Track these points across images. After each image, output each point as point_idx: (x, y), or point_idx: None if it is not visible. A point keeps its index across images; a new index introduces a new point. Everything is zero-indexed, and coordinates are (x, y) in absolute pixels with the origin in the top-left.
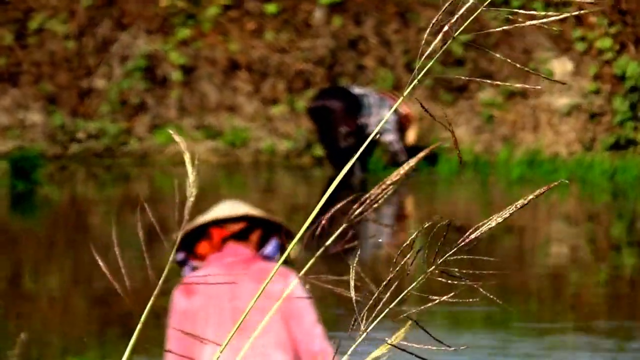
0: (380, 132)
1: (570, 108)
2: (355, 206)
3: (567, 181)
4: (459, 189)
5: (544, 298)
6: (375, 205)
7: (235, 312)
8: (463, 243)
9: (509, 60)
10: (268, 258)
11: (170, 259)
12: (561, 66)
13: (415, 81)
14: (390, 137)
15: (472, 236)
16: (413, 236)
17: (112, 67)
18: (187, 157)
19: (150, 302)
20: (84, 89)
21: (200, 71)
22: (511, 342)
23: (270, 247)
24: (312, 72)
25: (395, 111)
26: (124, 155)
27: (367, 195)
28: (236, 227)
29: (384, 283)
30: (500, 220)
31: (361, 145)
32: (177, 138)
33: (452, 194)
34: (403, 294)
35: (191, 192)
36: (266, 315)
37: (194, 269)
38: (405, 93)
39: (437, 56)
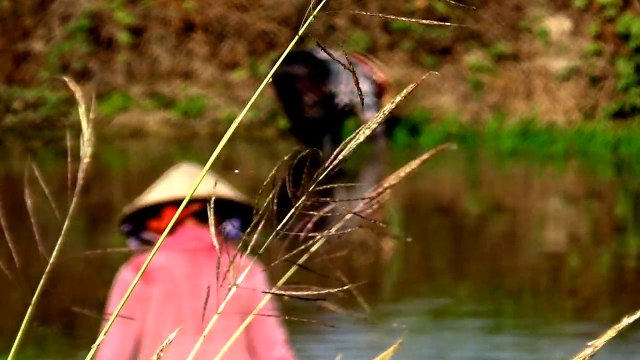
0: (355, 106)
1: (568, 72)
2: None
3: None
4: (443, 163)
5: (538, 287)
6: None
7: (196, 313)
8: (326, 171)
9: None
10: (228, 239)
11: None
12: (558, 25)
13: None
14: (371, 116)
15: (335, 162)
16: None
17: (52, 28)
18: (81, 111)
19: (41, 284)
20: (20, 53)
21: (151, 32)
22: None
23: (231, 228)
24: (276, 32)
25: (370, 79)
26: (65, 127)
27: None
28: (195, 206)
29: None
30: (367, 132)
31: (330, 116)
32: (70, 84)
33: (436, 170)
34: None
35: (85, 152)
36: (228, 318)
37: (146, 242)
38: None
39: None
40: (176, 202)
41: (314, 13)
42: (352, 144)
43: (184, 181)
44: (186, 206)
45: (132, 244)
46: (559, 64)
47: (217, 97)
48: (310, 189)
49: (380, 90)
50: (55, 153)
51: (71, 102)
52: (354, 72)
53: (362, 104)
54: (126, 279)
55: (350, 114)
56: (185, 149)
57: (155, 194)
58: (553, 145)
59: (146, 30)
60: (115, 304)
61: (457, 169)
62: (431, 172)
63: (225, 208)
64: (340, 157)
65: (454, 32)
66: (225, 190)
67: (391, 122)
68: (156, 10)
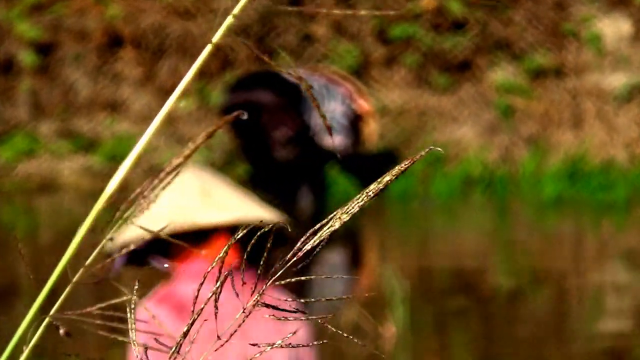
0: (323, 131)
1: (629, 91)
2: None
3: (439, 149)
4: (464, 219)
5: None
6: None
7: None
8: (293, 259)
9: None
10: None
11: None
12: (614, 28)
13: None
14: (340, 140)
15: (305, 248)
16: None
17: None
18: None
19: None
20: None
21: (64, 50)
22: None
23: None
24: (232, 47)
25: (345, 103)
26: None
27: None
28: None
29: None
30: (345, 218)
31: (307, 158)
32: None
33: (454, 228)
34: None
35: None
36: None
37: (162, 267)
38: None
39: None
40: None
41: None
42: (324, 232)
43: (233, 200)
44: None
45: (158, 263)
46: (616, 81)
47: (154, 135)
48: (268, 283)
49: (356, 119)
50: None
51: None
52: (312, 95)
53: (328, 126)
54: (157, 314)
55: (332, 155)
56: (112, 207)
57: (212, 214)
58: (611, 191)
59: (58, 48)
60: (143, 343)
61: (482, 227)
62: (448, 231)
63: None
64: (308, 246)
65: (474, 41)
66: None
67: (385, 162)
68: (71, 20)
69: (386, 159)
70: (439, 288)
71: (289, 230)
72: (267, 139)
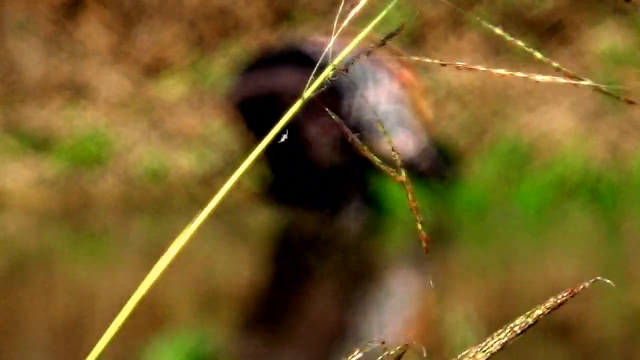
0: (375, 132)
1: None
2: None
3: (609, 281)
4: (555, 233)
5: None
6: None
7: None
8: None
9: None
10: None
11: None
12: None
13: None
14: (402, 138)
15: None
16: None
17: None
18: None
19: None
20: None
21: (9, 17)
22: None
23: None
24: (238, 7)
25: (391, 83)
26: None
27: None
28: None
29: None
30: (494, 349)
31: (355, 160)
32: None
33: (548, 250)
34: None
35: None
36: None
37: None
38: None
39: None
40: None
41: None
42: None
43: None
44: None
45: None
46: None
47: (131, 130)
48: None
49: (406, 95)
50: None
51: None
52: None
53: (382, 126)
54: None
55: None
56: (76, 229)
57: None
58: None
59: (1, 16)
60: None
61: (585, 248)
62: (538, 254)
63: None
64: None
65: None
66: None
67: (443, 155)
68: None
69: (444, 161)
70: (524, 338)
71: None
72: (300, 137)
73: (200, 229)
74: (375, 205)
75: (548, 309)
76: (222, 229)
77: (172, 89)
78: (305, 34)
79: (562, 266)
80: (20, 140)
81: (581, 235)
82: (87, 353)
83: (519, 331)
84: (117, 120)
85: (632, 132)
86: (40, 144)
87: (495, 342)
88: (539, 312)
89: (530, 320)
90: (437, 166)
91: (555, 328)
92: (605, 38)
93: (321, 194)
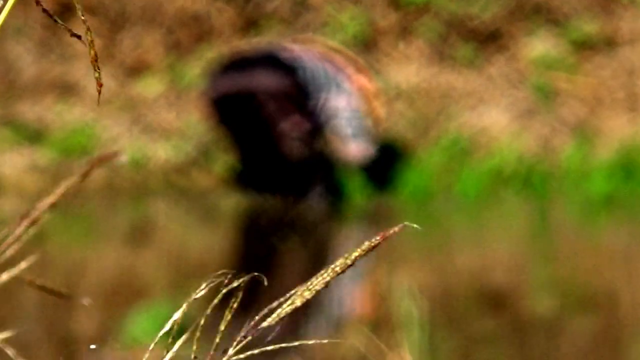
0: (337, 136)
1: None
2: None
3: (416, 225)
4: (494, 221)
5: None
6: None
7: None
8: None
9: None
10: None
11: None
12: None
13: None
14: (358, 137)
15: (262, 326)
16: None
17: None
18: None
19: None
20: None
21: (7, 23)
22: None
23: None
24: (212, 16)
25: (347, 90)
26: None
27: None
28: None
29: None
30: (307, 295)
31: (321, 153)
32: None
33: (482, 233)
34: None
35: None
36: None
37: None
38: None
39: None
40: None
41: None
42: (284, 309)
43: None
44: None
45: None
46: None
47: (116, 124)
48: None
49: (364, 103)
50: None
51: None
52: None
53: (341, 126)
54: None
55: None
56: (65, 212)
57: None
58: None
59: None
60: None
61: (517, 233)
62: (475, 238)
63: None
64: (265, 324)
65: (507, 5)
66: None
67: (391, 149)
68: None
69: (394, 153)
70: (463, 309)
71: None
72: (272, 132)
73: (176, 210)
74: (334, 192)
75: (364, 251)
76: (195, 211)
77: (152, 87)
78: (278, 41)
79: (497, 245)
80: (16, 132)
81: (514, 219)
82: (82, 322)
83: (339, 271)
84: (102, 115)
85: (561, 129)
86: (34, 135)
87: (319, 281)
88: (356, 254)
89: (349, 262)
90: (386, 162)
91: (490, 299)
92: (538, 45)
93: (288, 182)
